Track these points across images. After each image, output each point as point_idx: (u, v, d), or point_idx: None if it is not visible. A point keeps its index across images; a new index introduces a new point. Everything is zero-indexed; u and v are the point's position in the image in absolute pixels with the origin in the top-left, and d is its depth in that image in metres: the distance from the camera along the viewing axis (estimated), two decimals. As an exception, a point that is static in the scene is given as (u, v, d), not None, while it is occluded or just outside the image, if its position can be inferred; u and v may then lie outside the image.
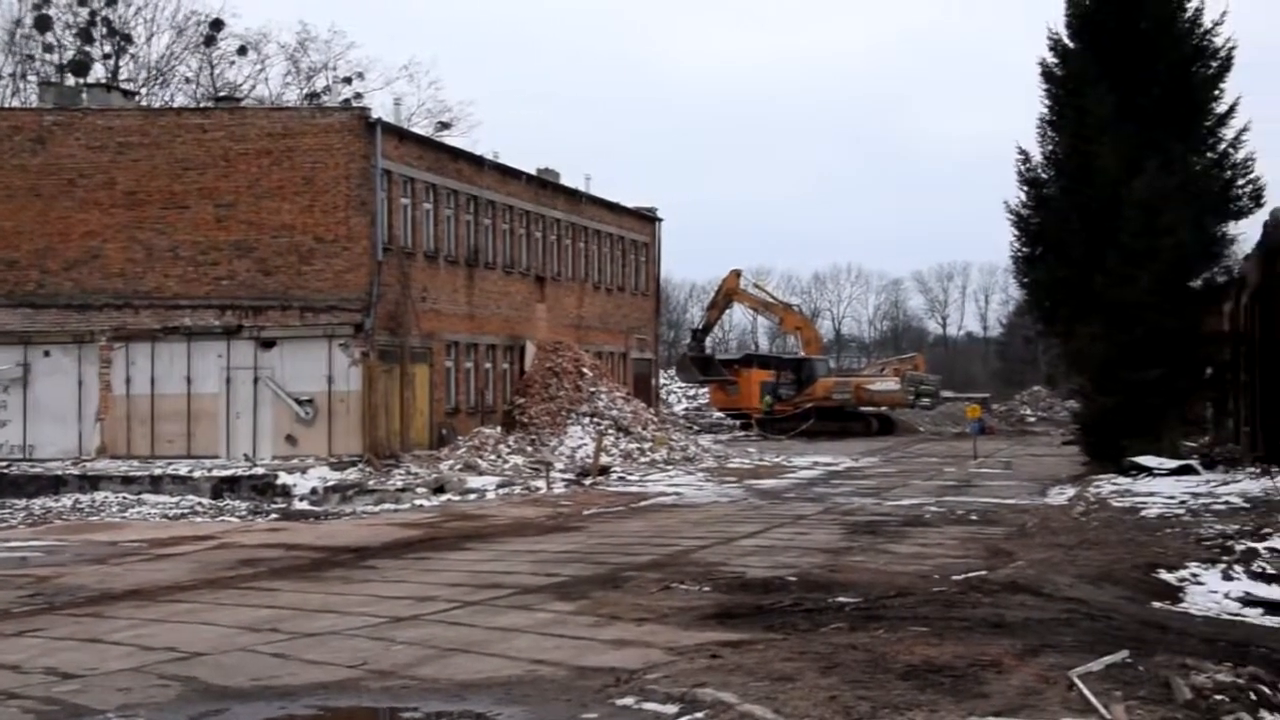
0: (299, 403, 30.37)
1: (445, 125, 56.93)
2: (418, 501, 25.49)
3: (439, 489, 26.93)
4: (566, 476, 30.22)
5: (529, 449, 34.01)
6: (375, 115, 32.48)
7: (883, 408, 58.68)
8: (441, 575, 14.91)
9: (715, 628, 10.83)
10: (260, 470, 27.76)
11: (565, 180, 42.48)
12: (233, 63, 56.88)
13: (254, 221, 31.00)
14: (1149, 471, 26.11)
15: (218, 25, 55.52)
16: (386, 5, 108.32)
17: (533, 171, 40.09)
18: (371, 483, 27.10)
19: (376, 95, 56.18)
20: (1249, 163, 29.83)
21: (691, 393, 64.75)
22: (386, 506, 24.86)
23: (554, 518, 22.15)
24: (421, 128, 50.35)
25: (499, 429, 35.20)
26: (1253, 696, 7.61)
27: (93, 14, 53.87)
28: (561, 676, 9.21)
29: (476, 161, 36.81)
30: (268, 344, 30.73)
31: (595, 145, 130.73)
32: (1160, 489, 23.21)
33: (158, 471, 27.89)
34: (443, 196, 34.35)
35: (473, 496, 26.49)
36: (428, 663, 9.84)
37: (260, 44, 56.86)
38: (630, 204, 47.63)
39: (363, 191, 30.60)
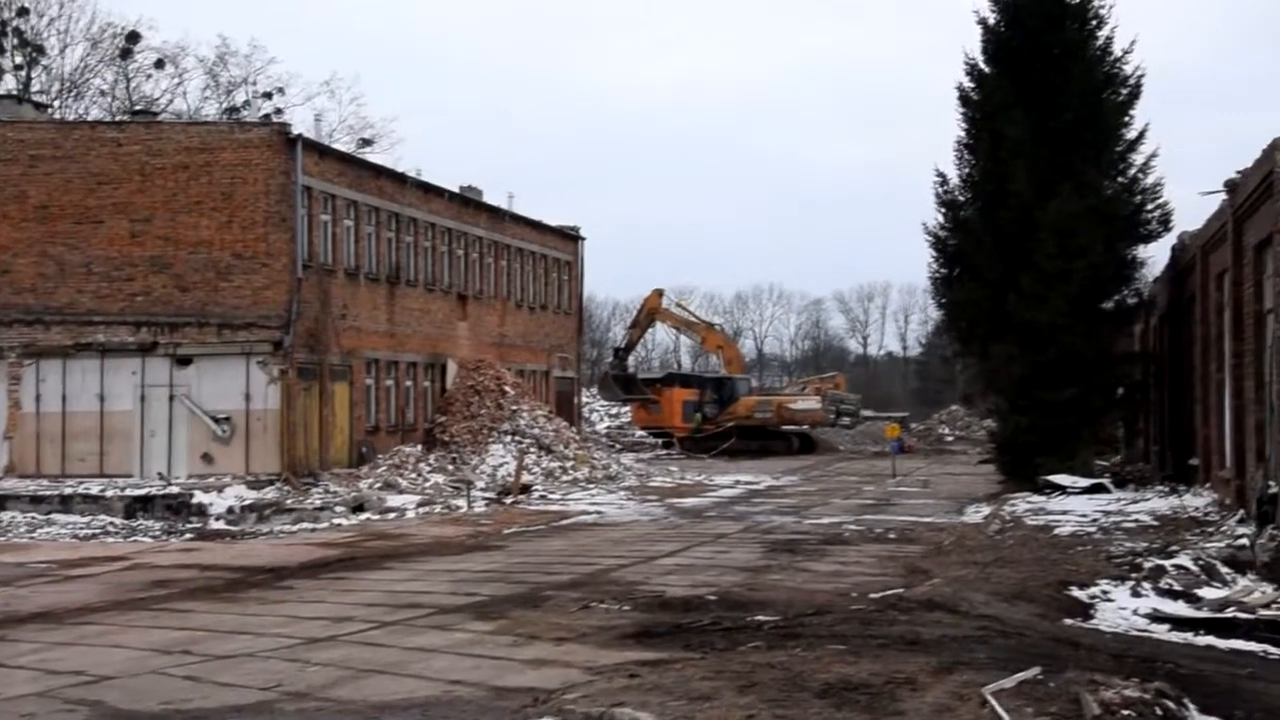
0: (216, 421, 29.94)
1: (367, 142, 56.60)
2: (336, 520, 25.22)
3: (358, 508, 26.67)
4: (487, 495, 30.07)
5: (450, 467, 33.82)
6: (296, 131, 32.21)
7: (804, 426, 59.14)
8: (359, 595, 14.77)
9: (634, 647, 10.83)
10: (175, 489, 27.28)
11: (488, 198, 42.38)
12: (149, 76, 56.07)
13: (171, 237, 30.56)
14: (1062, 490, 26.55)
15: (134, 38, 54.66)
16: (308, 21, 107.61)
17: (455, 189, 39.93)
18: (290, 502, 26.76)
19: (297, 111, 55.58)
20: (1158, 188, 30.53)
21: (614, 411, 64.76)
22: (305, 526, 24.57)
23: (474, 536, 22.03)
24: (343, 144, 50.05)
25: (420, 447, 34.95)
26: (1159, 711, 7.75)
27: (3, 24, 52.81)
28: (479, 697, 9.16)
29: (398, 178, 36.62)
30: (184, 361, 30.27)
31: (519, 164, 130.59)
32: (1073, 507, 23.60)
33: (68, 491, 27.27)
34: (364, 213, 34.11)
35: (392, 515, 26.27)
36: (343, 684, 9.74)
37: (178, 57, 56.12)
38: (553, 222, 47.63)
39: (282, 208, 30.30)
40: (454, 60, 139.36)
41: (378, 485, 30.14)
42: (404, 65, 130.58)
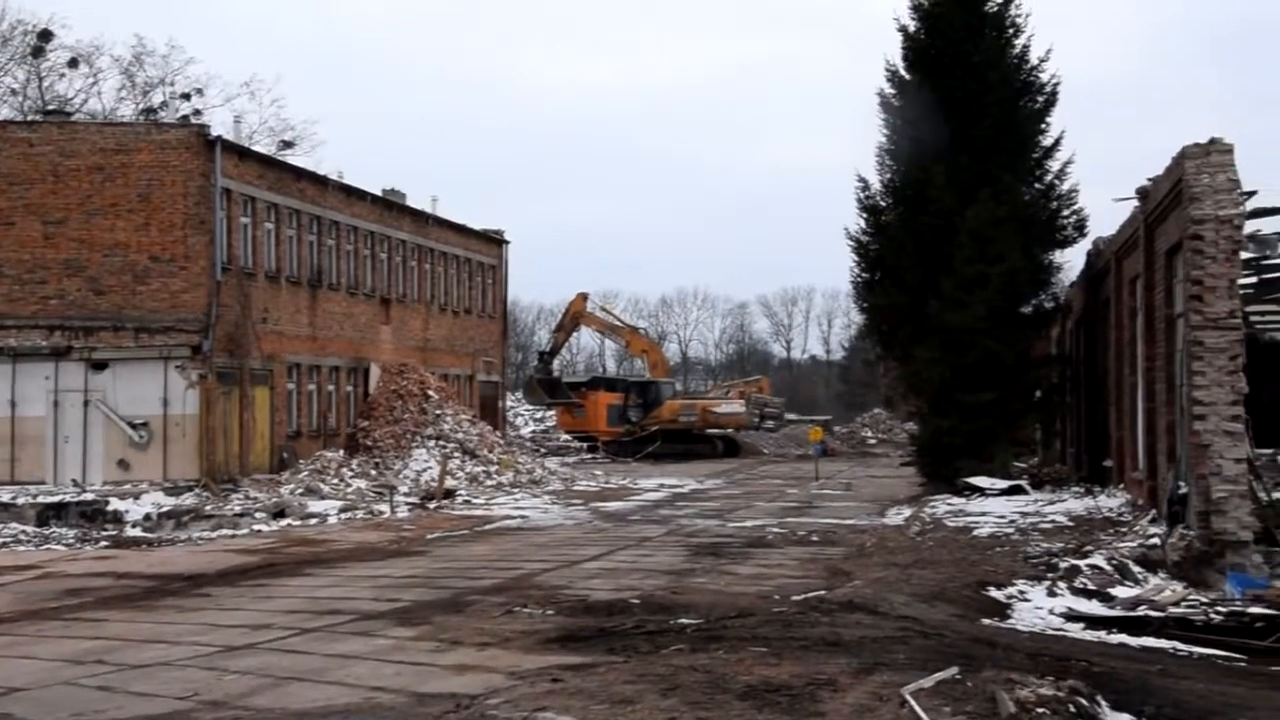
0: (132, 426, 29.46)
1: (288, 144, 55.83)
2: (257, 527, 24.89)
3: (279, 514, 26.36)
4: (411, 500, 29.86)
5: (373, 472, 33.55)
6: (215, 132, 31.79)
7: (728, 430, 59.39)
8: (279, 602, 14.60)
9: (558, 651, 10.82)
10: (90, 496, 26.76)
11: (411, 201, 42.13)
12: (63, 75, 54.84)
13: (85, 239, 30.03)
14: (981, 492, 26.91)
15: (46, 36, 53.45)
16: (227, 21, 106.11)
17: (378, 192, 39.64)
18: (209, 508, 26.39)
19: (216, 112, 54.59)
20: (1073, 194, 31.05)
21: (539, 415, 64.59)
22: (224, 532, 24.22)
23: (397, 542, 21.87)
24: (263, 146, 49.39)
25: (342, 452, 34.64)
26: (1072, 709, 7.89)
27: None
28: (401, 704, 9.10)
29: (320, 181, 36.27)
30: (99, 366, 29.75)
31: (443, 167, 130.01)
32: (992, 509, 23.93)
33: (-22, 498, 26.68)
34: (285, 216, 33.74)
35: (314, 521, 25.99)
36: (262, 692, 9.62)
37: (93, 56, 54.95)
38: (477, 226, 47.43)
39: (201, 210, 29.89)
40: (377, 63, 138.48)
41: (299, 491, 29.81)
42: (326, 67, 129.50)
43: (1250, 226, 17.85)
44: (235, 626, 12.74)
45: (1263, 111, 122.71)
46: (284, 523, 25.60)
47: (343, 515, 26.89)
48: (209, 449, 29.51)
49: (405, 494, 30.69)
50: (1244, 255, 17.73)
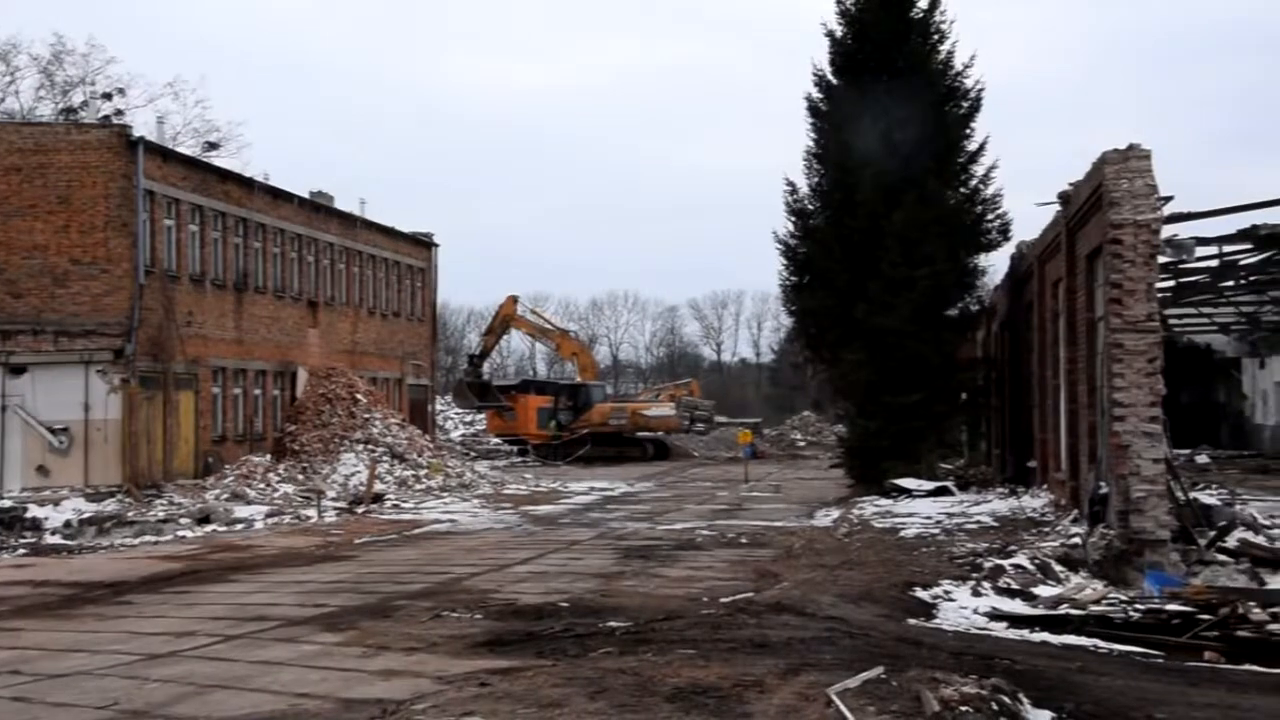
0: (52, 431, 28.93)
1: (213, 145, 55.07)
2: (181, 533, 24.54)
3: (204, 519, 26.01)
4: (339, 505, 29.61)
5: (300, 477, 33.20)
6: (137, 133, 31.33)
7: (658, 433, 59.49)
8: (203, 609, 14.40)
9: (486, 655, 10.78)
10: (8, 503, 26.21)
11: (339, 204, 41.79)
12: (-23, 74, 53.79)
13: (2, 241, 29.45)
14: (908, 493, 27.19)
15: (-39, 32, 52.39)
16: (149, 21, 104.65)
17: (305, 194, 39.28)
18: (131, 514, 25.97)
19: (139, 113, 53.63)
20: (997, 199, 31.46)
21: (469, 419, 64.29)
22: (147, 539, 23.85)
23: (324, 547, 21.68)
24: (187, 147, 48.69)
25: (269, 457, 34.25)
26: (995, 706, 8.00)
27: None
28: (326, 710, 9.02)
29: (246, 183, 35.86)
30: (17, 370, 29.19)
31: (372, 170, 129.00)
32: (919, 510, 24.18)
33: (-109, 506, 26.04)
34: (210, 218, 33.32)
35: (240, 527, 25.68)
36: (185, 700, 9.49)
37: (9, 54, 53.91)
38: (406, 229, 47.15)
39: (123, 212, 29.43)
40: (305, 65, 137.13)
41: (225, 496, 29.45)
42: (252, 68, 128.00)
43: (1168, 231, 18.19)
44: (158, 634, 12.54)
45: (1181, 118, 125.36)
46: (209, 529, 25.27)
47: (269, 520, 26.61)
48: (132, 454, 29.06)
49: (333, 499, 30.44)
50: (1162, 260, 18.08)
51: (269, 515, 27.11)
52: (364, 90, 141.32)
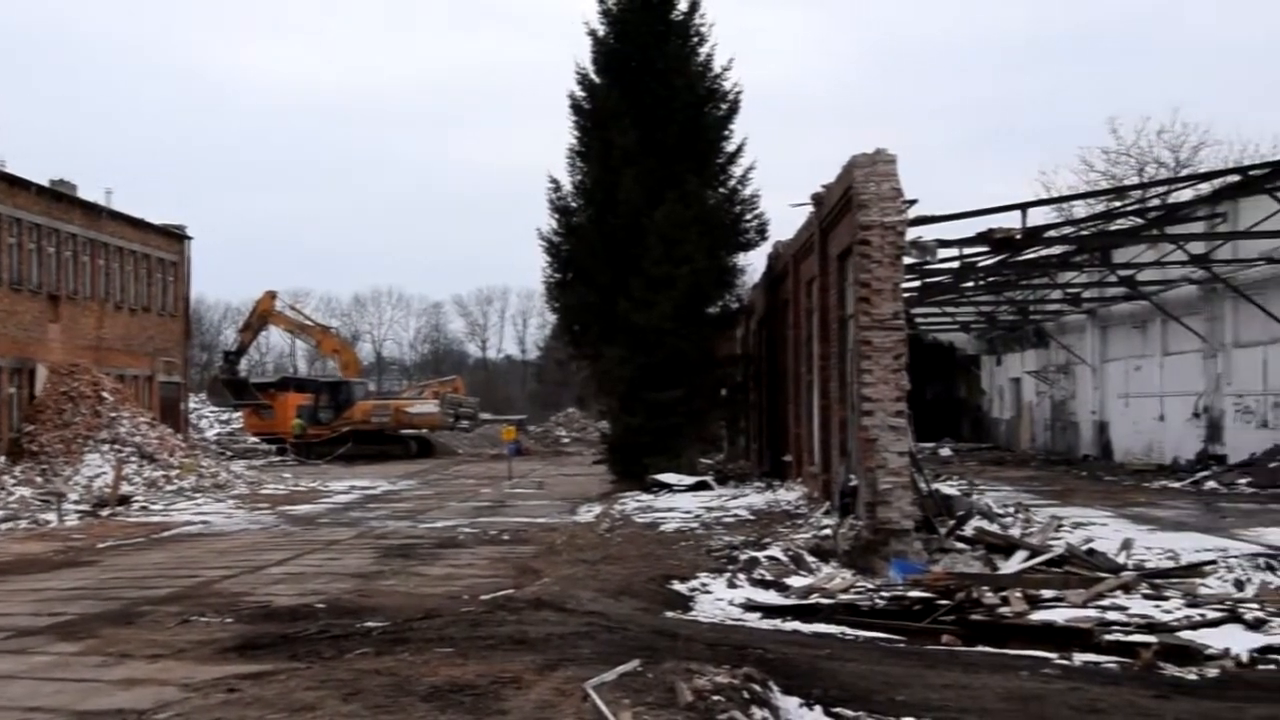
0: None
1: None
2: (-97, 541, 22.97)
3: (-71, 527, 24.41)
4: (82, 508, 28.21)
5: (39, 479, 31.53)
6: None
7: (422, 430, 58.88)
8: (-75, 622, 13.49)
9: (236, 660, 10.44)
10: None
11: (84, 193, 39.79)
12: None
13: None
14: (669, 488, 27.66)
15: None
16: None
17: (45, 182, 37.26)
18: None
19: None
20: (755, 199, 32.37)
21: (225, 417, 62.19)
22: None
23: (64, 552, 20.64)
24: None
25: (4, 459, 32.38)
26: (746, 695, 8.19)
27: None
28: (60, 724, 8.58)
29: (-23, 169, 33.81)
30: None
31: (123, 159, 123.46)
32: (679, 504, 24.62)
33: None
34: (-63, 204, 31.27)
35: (-30, 533, 24.19)
36: (-100, 721, 8.88)
37: None
38: (159, 220, 45.28)
39: None
40: (47, 47, 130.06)
41: (-46, 501, 27.69)
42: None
43: (913, 233, 19.04)
44: (-128, 651, 11.69)
45: (928, 124, 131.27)
46: (-65, 536, 23.72)
47: (3, 526, 25.15)
48: None
49: (76, 501, 29.00)
50: (907, 260, 18.90)
51: (3, 520, 25.63)
52: (118, 75, 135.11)
